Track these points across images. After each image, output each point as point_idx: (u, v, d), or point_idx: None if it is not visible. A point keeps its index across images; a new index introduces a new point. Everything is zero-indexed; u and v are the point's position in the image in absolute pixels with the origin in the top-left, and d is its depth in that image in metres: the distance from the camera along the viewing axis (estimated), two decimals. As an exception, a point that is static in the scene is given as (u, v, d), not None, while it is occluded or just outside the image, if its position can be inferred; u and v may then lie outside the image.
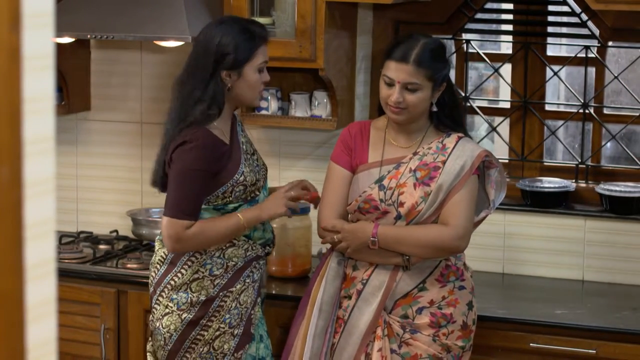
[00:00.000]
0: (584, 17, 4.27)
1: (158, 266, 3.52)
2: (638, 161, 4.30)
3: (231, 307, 3.47)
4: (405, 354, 3.43)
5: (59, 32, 4.17)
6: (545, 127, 4.41)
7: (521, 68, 4.40)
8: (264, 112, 4.33)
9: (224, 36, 3.40)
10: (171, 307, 3.47)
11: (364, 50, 4.44)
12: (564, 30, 4.59)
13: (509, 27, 4.60)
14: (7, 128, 1.22)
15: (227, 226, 3.43)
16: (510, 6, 4.48)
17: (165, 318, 3.48)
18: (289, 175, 4.48)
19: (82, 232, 4.73)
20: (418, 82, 3.38)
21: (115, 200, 4.76)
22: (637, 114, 4.27)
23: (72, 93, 4.69)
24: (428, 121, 3.52)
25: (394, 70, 3.40)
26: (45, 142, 1.27)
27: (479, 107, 4.48)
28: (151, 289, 3.55)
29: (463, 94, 4.36)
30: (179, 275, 3.47)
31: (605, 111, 4.39)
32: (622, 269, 4.19)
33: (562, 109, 4.56)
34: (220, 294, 3.46)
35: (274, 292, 4.00)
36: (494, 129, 4.48)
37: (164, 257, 3.50)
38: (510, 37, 4.59)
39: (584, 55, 4.29)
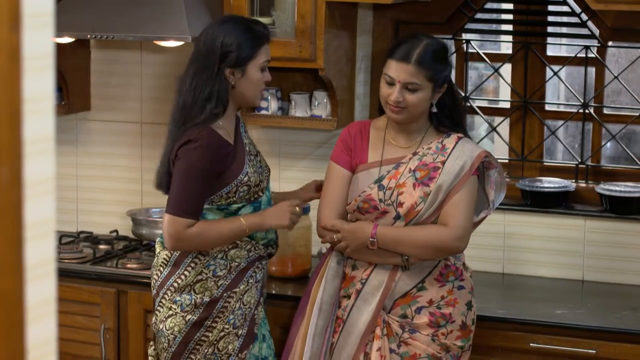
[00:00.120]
0: (584, 17, 4.27)
1: (161, 268, 3.52)
2: (638, 161, 4.30)
3: (235, 307, 3.47)
4: (404, 353, 3.43)
5: (59, 32, 4.17)
6: (545, 127, 4.41)
7: (521, 68, 4.40)
8: (264, 112, 4.33)
9: (227, 35, 3.41)
10: (175, 309, 3.47)
11: (364, 50, 4.44)
12: (564, 30, 4.59)
13: (509, 27, 4.60)
14: (7, 128, 1.22)
15: (229, 229, 3.43)
16: (510, 6, 4.48)
17: (169, 320, 3.47)
18: (289, 175, 4.49)
19: (82, 232, 4.73)
20: (418, 83, 3.38)
21: (115, 200, 4.76)
22: (637, 114, 4.27)
23: (72, 93, 4.69)
24: (428, 121, 3.52)
25: (395, 69, 3.40)
26: (45, 142, 1.27)
27: (479, 107, 4.48)
28: (154, 291, 3.54)
29: (463, 94, 4.36)
30: (183, 277, 3.46)
31: (605, 111, 4.39)
32: (622, 269, 4.19)
33: (562, 109, 4.56)
34: (224, 294, 3.46)
35: (273, 292, 4.00)
36: (494, 129, 4.48)
37: (167, 259, 3.50)
38: (510, 37, 4.59)
39: (584, 55, 4.29)
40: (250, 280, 3.51)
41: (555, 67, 4.34)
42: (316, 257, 4.18)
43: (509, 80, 4.44)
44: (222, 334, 3.46)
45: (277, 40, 4.02)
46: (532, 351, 3.71)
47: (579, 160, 4.34)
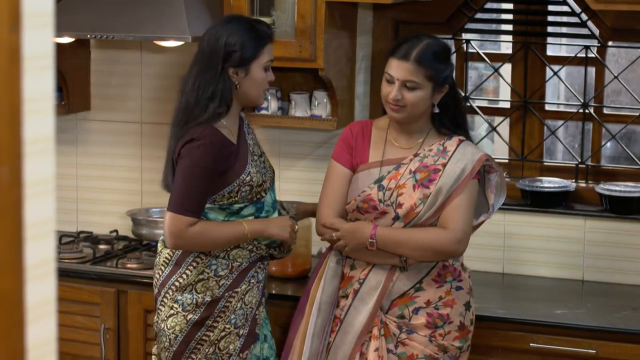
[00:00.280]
0: (584, 17, 4.27)
1: (163, 267, 3.51)
2: (638, 161, 4.30)
3: (236, 307, 3.47)
4: (402, 354, 3.43)
5: (59, 32, 4.17)
6: (545, 127, 4.41)
7: (521, 68, 4.40)
8: (264, 112, 4.33)
9: (230, 35, 3.41)
10: (176, 308, 3.46)
11: (364, 50, 4.44)
12: (564, 30, 4.59)
13: (509, 27, 4.60)
14: (7, 128, 1.22)
15: (231, 232, 3.43)
16: (510, 6, 4.48)
17: (170, 319, 3.47)
18: (289, 175, 4.49)
19: (82, 232, 4.73)
20: (417, 81, 3.38)
21: (115, 200, 4.76)
22: (637, 114, 4.27)
23: (72, 93, 4.69)
24: (430, 123, 3.51)
25: (394, 67, 3.40)
26: (45, 142, 1.27)
27: (479, 107, 4.48)
28: (155, 290, 3.54)
29: (463, 94, 4.36)
30: (184, 276, 3.46)
31: (605, 111, 4.39)
32: (622, 269, 4.19)
33: (562, 108, 4.56)
34: (226, 294, 3.46)
35: (273, 291, 4.00)
36: (494, 128, 4.48)
37: (169, 258, 3.50)
38: (510, 37, 4.59)
39: (584, 55, 4.29)
40: (252, 280, 3.51)
41: (555, 67, 4.34)
42: (316, 257, 4.18)
43: (509, 80, 4.44)
44: (223, 333, 3.46)
45: (277, 40, 4.01)
46: (532, 351, 3.71)
47: (579, 160, 4.34)
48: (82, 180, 4.82)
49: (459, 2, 4.37)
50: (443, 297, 3.45)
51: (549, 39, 4.46)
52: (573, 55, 4.34)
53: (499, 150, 4.68)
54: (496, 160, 3.59)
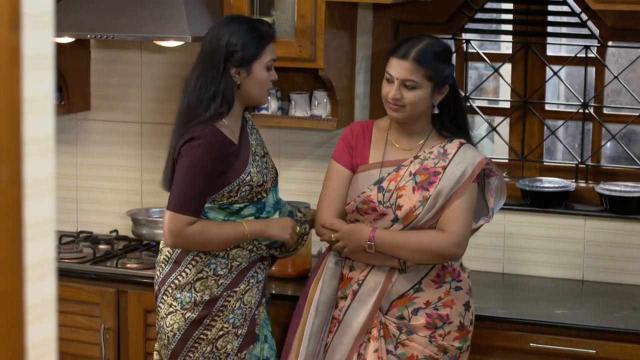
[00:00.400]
0: (584, 17, 4.27)
1: (163, 265, 3.52)
2: (638, 161, 4.30)
3: (235, 307, 3.47)
4: (402, 354, 3.43)
5: (59, 32, 4.17)
6: (545, 127, 4.41)
7: (521, 68, 4.40)
8: (264, 111, 4.33)
9: (232, 35, 3.42)
10: (175, 306, 3.47)
11: (364, 50, 4.43)
12: (564, 30, 4.59)
13: (509, 27, 4.60)
14: (7, 128, 1.22)
15: (230, 232, 3.43)
16: (510, 6, 4.48)
17: (169, 317, 3.47)
18: (289, 175, 4.48)
19: (82, 232, 4.73)
20: (416, 80, 3.38)
21: (115, 200, 4.76)
22: (637, 114, 4.27)
23: (72, 93, 4.69)
24: (430, 125, 3.51)
25: (394, 67, 3.40)
26: (45, 142, 1.27)
27: (479, 107, 4.48)
28: (156, 288, 3.55)
29: (463, 94, 4.36)
30: (183, 274, 3.47)
31: (605, 111, 4.39)
32: (622, 269, 4.19)
33: (562, 108, 4.56)
34: (224, 293, 3.46)
35: (273, 292, 4.00)
36: (494, 128, 4.48)
37: (169, 256, 3.50)
38: (510, 37, 4.59)
39: (583, 55, 4.29)
40: (252, 280, 3.51)
41: (555, 67, 4.34)
42: (316, 257, 4.17)
43: (509, 80, 4.44)
44: (220, 332, 3.46)
45: (277, 40, 4.01)
46: (532, 351, 3.71)
47: (579, 160, 4.34)
48: (82, 180, 4.82)
49: (459, 2, 4.37)
50: (442, 297, 3.45)
51: (549, 39, 4.46)
52: (573, 55, 4.34)
53: (499, 150, 4.68)
54: (496, 161, 3.59)
